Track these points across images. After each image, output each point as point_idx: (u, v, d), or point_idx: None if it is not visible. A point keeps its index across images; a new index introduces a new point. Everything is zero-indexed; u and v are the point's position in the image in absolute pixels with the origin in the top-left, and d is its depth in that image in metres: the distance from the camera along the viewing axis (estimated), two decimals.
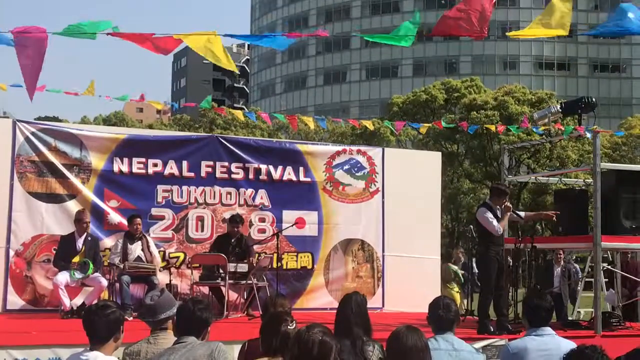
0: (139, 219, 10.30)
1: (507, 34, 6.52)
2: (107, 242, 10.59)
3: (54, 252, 10.09)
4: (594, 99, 10.15)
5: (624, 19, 6.33)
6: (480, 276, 9.69)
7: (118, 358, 4.39)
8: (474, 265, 11.34)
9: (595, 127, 9.65)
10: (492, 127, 17.58)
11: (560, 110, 10.19)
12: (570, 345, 4.98)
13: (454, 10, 6.52)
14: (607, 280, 11.64)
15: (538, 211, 39.86)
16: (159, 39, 6.41)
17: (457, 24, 6.48)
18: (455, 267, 14.40)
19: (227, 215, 11.10)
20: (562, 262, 12.74)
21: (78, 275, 9.64)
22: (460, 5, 6.44)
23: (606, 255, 11.75)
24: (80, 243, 9.88)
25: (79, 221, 9.95)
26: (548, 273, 12.51)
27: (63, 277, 9.55)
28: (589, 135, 9.86)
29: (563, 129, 11.24)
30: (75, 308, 9.63)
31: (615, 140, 42.20)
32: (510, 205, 9.44)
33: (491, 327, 8.87)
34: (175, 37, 6.40)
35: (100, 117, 56.10)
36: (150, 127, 46.07)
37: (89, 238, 9.99)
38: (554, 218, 10.04)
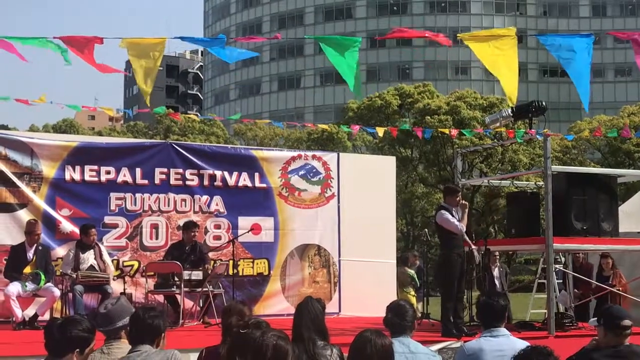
0: (94, 230, 10.15)
1: (458, 35, 6.63)
2: (59, 251, 10.42)
3: (4, 262, 9.89)
4: (544, 103, 10.31)
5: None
6: (443, 279, 9.72)
7: None
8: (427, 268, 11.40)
9: (546, 130, 9.80)
10: (447, 131, 17.79)
11: (512, 114, 10.33)
12: (524, 345, 5.05)
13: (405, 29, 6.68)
14: (559, 281, 11.82)
15: (490, 215, 40.32)
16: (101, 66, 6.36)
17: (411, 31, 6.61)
18: (412, 271, 14.48)
19: (181, 223, 11.01)
20: (497, 263, 12.91)
21: (30, 286, 9.48)
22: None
23: (558, 257, 11.95)
24: (31, 253, 9.71)
25: (30, 233, 9.79)
26: (487, 274, 12.63)
27: (14, 288, 9.37)
28: (539, 137, 10.02)
29: (514, 133, 11.40)
30: (27, 319, 9.46)
31: (566, 143, 42.96)
32: (466, 203, 9.55)
33: (454, 330, 8.94)
34: (120, 46, 6.29)
35: (49, 125, 55.14)
36: (100, 134, 45.45)
37: (40, 248, 9.82)
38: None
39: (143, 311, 4.46)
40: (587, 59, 6.59)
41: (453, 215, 9.31)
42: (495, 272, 12.70)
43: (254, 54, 6.98)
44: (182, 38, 6.77)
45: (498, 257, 12.88)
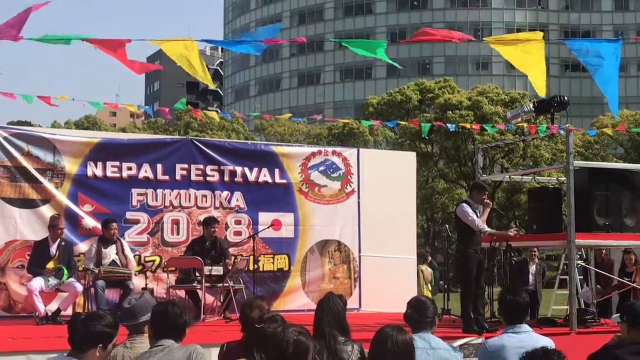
0: (114, 224, 10.21)
1: (484, 39, 6.64)
2: (82, 246, 10.50)
3: (28, 257, 9.98)
4: (566, 98, 10.23)
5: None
6: (460, 276, 9.70)
7: None
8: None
9: (568, 125, 9.73)
10: (469, 126, 17.71)
11: (533, 109, 10.27)
12: (547, 341, 5.02)
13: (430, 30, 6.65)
14: (581, 277, 11.74)
15: (512, 210, 40.08)
16: (132, 61, 6.39)
17: (435, 33, 6.60)
18: (430, 269, 14.46)
19: (202, 218, 11.06)
20: (536, 260, 12.83)
21: (53, 281, 9.55)
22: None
23: (580, 253, 11.87)
24: (54, 249, 9.78)
25: (53, 227, 9.85)
26: (522, 271, 12.61)
27: (37, 283, 9.44)
28: (562, 132, 9.95)
29: (537, 128, 11.33)
30: (49, 314, 9.54)
31: (588, 138, 42.65)
32: (490, 202, 9.50)
33: (475, 326, 8.91)
34: (151, 43, 6.37)
35: (71, 122, 55.54)
36: (124, 130, 45.73)
37: (63, 243, 9.89)
38: (518, 235, 9.96)
39: (168, 306, 4.47)
40: (615, 64, 6.48)
41: (474, 211, 9.27)
42: (532, 269, 12.62)
43: (276, 27, 6.96)
44: (208, 41, 6.85)
45: (536, 254, 12.77)
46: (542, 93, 6.76)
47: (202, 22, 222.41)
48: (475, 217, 9.22)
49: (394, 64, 6.77)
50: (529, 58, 6.46)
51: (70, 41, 6.06)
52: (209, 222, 10.63)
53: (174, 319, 4.40)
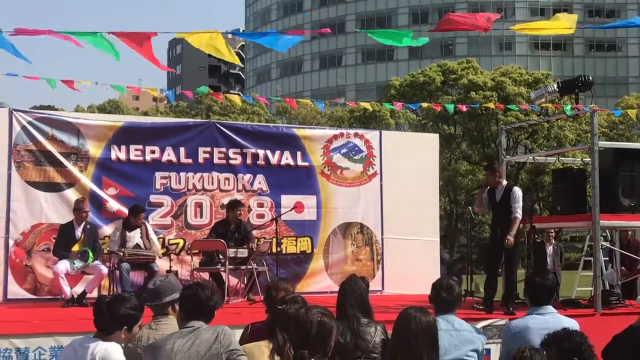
0: (143, 213, 10.29)
1: (511, 28, 6.60)
2: (106, 229, 10.60)
3: (54, 241, 10.09)
4: (590, 78, 10.12)
5: None
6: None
7: (121, 346, 4.39)
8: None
9: (592, 105, 9.62)
10: (492, 106, 17.60)
11: (557, 89, 10.17)
12: (571, 323, 5.00)
13: (456, 15, 6.62)
14: (606, 259, 11.66)
15: (536, 192, 39.82)
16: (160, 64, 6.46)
17: (461, 21, 6.57)
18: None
19: (225, 201, 11.10)
20: (553, 241, 12.75)
21: (78, 264, 9.64)
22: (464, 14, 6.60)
23: (605, 234, 11.77)
24: (79, 231, 9.87)
25: (79, 210, 9.93)
26: (540, 252, 12.53)
27: (63, 265, 9.54)
28: (587, 110, 9.85)
29: (561, 107, 11.24)
30: (75, 296, 9.65)
31: (612, 119, 42.19)
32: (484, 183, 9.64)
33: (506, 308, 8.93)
34: (177, 35, 6.40)
35: (95, 106, 55.85)
36: (146, 114, 45.90)
37: (88, 226, 9.98)
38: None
39: (198, 289, 4.51)
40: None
41: (487, 194, 9.35)
42: (549, 250, 12.56)
43: (299, 38, 6.99)
44: (234, 33, 6.89)
45: (553, 234, 12.71)
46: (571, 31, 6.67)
47: (222, 4, 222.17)
48: (480, 199, 9.50)
49: (421, 41, 6.70)
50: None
51: (101, 41, 6.08)
52: (235, 205, 10.66)
53: (204, 302, 4.44)
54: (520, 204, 9.17)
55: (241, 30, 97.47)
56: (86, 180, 10.66)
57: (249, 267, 10.23)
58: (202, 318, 4.40)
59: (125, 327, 4.32)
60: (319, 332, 3.60)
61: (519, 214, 9.11)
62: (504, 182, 9.52)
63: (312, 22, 78.23)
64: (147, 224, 10.42)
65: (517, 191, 9.26)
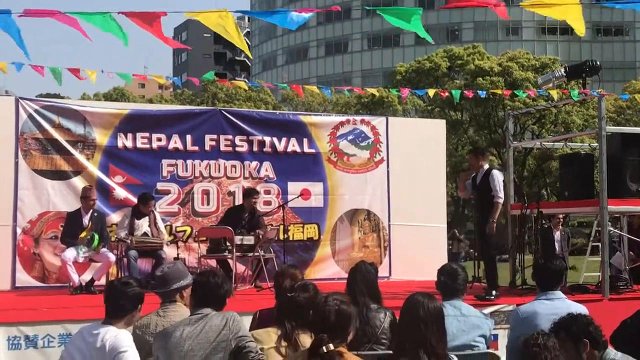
0: (153, 202, 10.32)
1: (521, 4, 6.55)
2: (114, 217, 10.62)
3: (61, 228, 10.12)
4: (598, 63, 10.06)
5: None
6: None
7: (130, 331, 4.42)
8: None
9: (600, 90, 9.57)
10: (499, 92, 17.53)
11: (565, 74, 10.12)
12: (580, 308, 4.99)
13: None
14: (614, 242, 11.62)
15: (543, 177, 39.68)
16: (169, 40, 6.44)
17: None
18: None
19: (232, 188, 11.12)
20: (560, 227, 12.73)
21: (85, 249, 9.66)
22: None
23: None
24: (86, 219, 9.89)
25: (86, 198, 9.95)
26: (548, 238, 12.50)
27: (71, 253, 9.57)
28: (595, 94, 9.79)
29: (569, 92, 11.18)
30: (84, 284, 9.68)
31: (620, 103, 42.00)
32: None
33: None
34: (186, 15, 6.39)
35: (100, 94, 55.87)
36: (151, 102, 45.91)
37: (95, 214, 9.99)
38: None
39: (209, 276, 4.52)
40: None
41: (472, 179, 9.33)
42: (557, 235, 12.54)
43: (309, 16, 6.93)
44: (243, 12, 6.84)
45: (561, 220, 12.67)
46: (582, 33, 6.61)
47: None
48: (464, 185, 9.50)
49: (427, 37, 6.64)
50: (565, 14, 6.39)
51: (110, 23, 6.06)
52: (251, 193, 10.63)
53: (215, 289, 4.46)
54: (501, 186, 8.95)
55: (247, 17, 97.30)
56: (93, 168, 10.67)
57: (256, 254, 10.24)
58: (213, 306, 4.42)
59: (139, 306, 4.37)
60: (337, 320, 3.64)
61: (499, 198, 8.89)
62: (486, 166, 9.30)
63: (318, 7, 77.87)
64: (155, 212, 10.43)
65: (496, 174, 9.01)
